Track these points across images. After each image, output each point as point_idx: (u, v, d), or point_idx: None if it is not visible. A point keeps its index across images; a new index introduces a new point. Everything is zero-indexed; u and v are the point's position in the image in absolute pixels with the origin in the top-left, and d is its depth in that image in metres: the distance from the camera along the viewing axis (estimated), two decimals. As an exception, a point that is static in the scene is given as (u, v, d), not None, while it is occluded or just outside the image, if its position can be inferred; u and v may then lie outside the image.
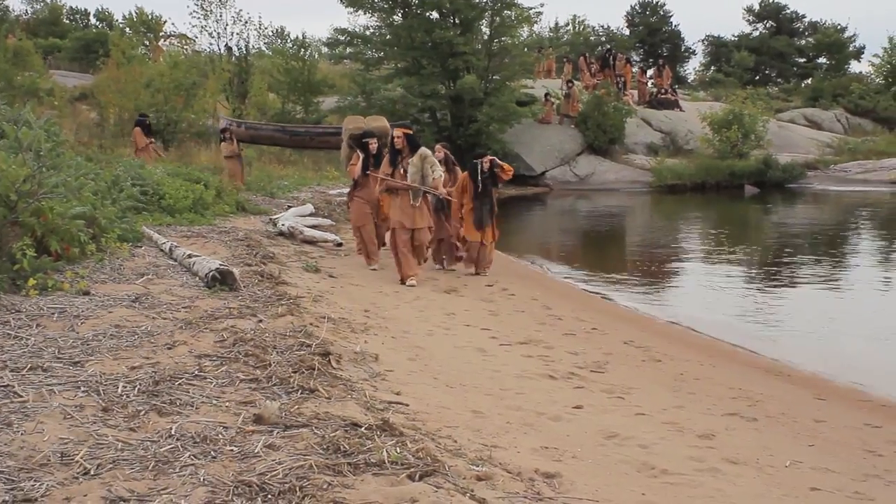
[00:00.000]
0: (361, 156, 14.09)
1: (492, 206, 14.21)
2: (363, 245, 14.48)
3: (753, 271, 17.18)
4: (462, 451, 5.17)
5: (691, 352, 10.07)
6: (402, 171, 13.05)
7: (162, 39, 44.37)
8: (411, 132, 13.82)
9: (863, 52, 61.96)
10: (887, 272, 17.12)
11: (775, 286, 15.34)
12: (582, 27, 65.51)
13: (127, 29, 46.30)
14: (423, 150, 13.24)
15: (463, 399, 6.86)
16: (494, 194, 14.49)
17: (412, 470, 4.33)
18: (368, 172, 13.69)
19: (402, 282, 12.78)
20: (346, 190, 23.89)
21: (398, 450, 4.60)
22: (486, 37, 37.34)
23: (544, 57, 46.67)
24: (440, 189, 13.19)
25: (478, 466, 4.84)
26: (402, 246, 12.94)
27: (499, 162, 14.42)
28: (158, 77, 30.35)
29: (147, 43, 44.07)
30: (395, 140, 13.26)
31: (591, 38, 64.17)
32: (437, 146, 14.70)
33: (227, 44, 36.35)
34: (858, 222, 26.33)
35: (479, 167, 14.00)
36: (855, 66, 61.73)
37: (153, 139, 24.33)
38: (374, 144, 14.08)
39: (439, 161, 13.62)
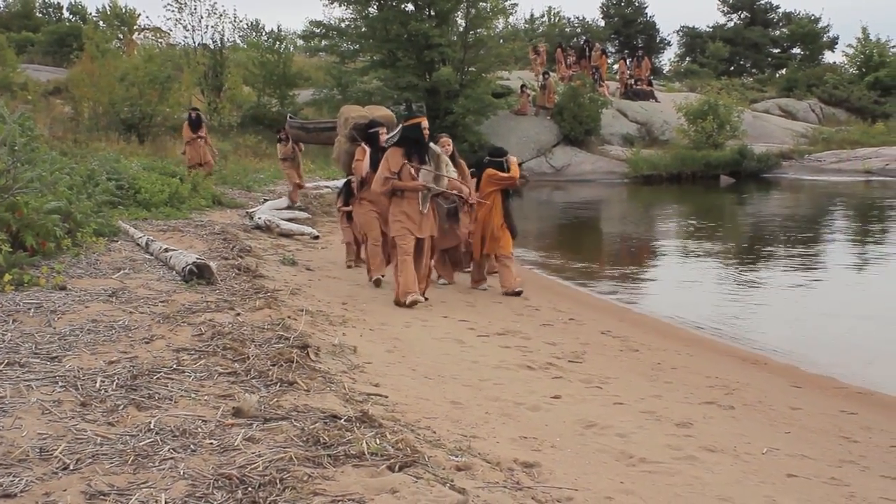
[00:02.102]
0: (368, 150, 11.97)
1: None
2: (367, 254, 12.40)
3: (729, 261, 17.25)
4: (441, 441, 5.18)
5: (668, 341, 10.11)
6: (410, 169, 10.84)
7: (136, 33, 44.16)
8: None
9: (836, 43, 62.45)
10: (862, 261, 17.22)
11: (751, 275, 15.41)
12: (557, 18, 65.57)
13: (101, 22, 46.05)
14: (434, 147, 11.25)
15: (441, 390, 6.87)
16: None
17: (392, 461, 4.34)
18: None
19: (400, 301, 10.59)
20: (325, 184, 23.75)
21: (378, 441, 4.61)
22: (461, 29, 37.37)
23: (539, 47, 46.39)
24: (463, 189, 11.40)
25: (457, 457, 4.86)
26: (405, 255, 10.82)
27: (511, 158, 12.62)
28: (133, 71, 30.23)
29: (121, 36, 43.85)
30: (427, 131, 11.00)
31: (567, 29, 64.19)
32: (443, 138, 12.21)
33: (201, 37, 36.26)
34: (833, 211, 26.47)
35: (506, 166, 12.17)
36: (829, 57, 62.34)
37: (201, 134, 22.51)
38: (384, 134, 12.06)
39: (448, 156, 11.65)
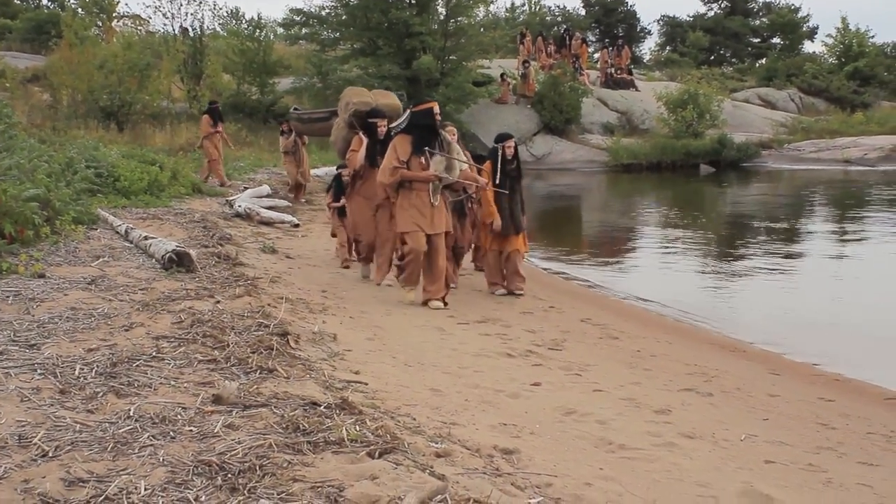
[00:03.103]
0: (365, 140, 11.17)
1: (522, 205, 11.35)
2: (367, 253, 11.60)
3: (708, 249, 17.32)
4: (421, 428, 5.19)
5: (648, 329, 10.15)
6: (421, 159, 9.95)
7: (115, 20, 43.89)
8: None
9: (816, 33, 62.64)
10: (840, 249, 17.31)
11: (730, 263, 15.49)
12: (538, 7, 65.51)
13: (79, 10, 45.71)
14: (445, 134, 10.32)
15: (421, 377, 6.88)
16: (520, 189, 11.43)
17: (372, 448, 4.34)
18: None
19: (426, 301, 10.03)
20: (314, 172, 23.27)
21: (357, 428, 4.62)
22: (442, 17, 37.30)
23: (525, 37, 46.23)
24: (479, 179, 10.41)
25: (437, 443, 4.87)
26: (417, 255, 9.98)
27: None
28: (112, 58, 30.08)
29: (100, 24, 43.54)
30: (438, 116, 10.10)
31: (548, 18, 64.16)
32: (448, 127, 11.29)
33: (181, 25, 36.09)
34: (812, 201, 26.60)
35: (501, 153, 11.06)
36: (808, 47, 62.47)
37: (219, 128, 21.54)
38: (383, 127, 11.14)
39: None
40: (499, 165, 10.95)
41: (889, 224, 19.76)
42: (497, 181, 10.85)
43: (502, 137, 11.31)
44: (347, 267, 12.28)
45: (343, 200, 12.39)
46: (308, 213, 18.38)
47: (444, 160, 9.95)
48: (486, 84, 39.09)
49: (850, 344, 10.01)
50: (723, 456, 5.68)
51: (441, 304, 9.93)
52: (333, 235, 13.42)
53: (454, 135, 11.09)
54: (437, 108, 10.14)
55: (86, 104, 30.04)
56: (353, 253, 12.39)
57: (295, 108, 23.30)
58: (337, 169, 13.47)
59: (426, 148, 9.95)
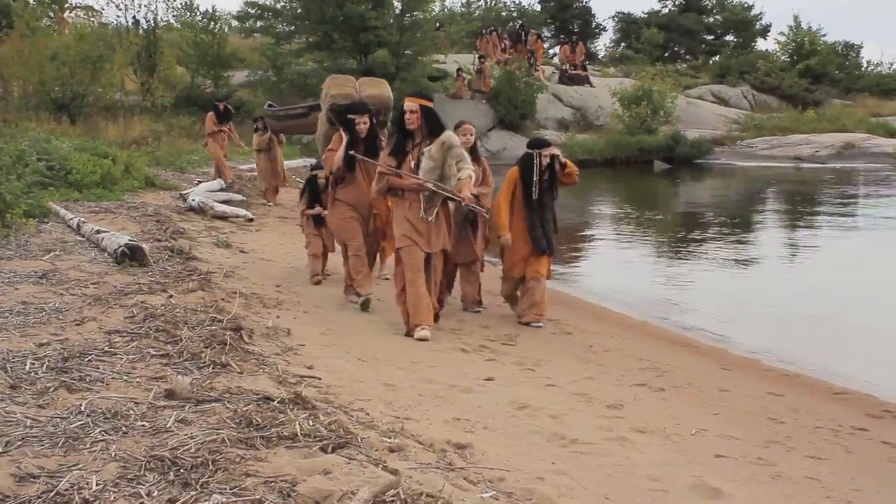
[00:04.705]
0: (345, 138, 9.74)
1: (554, 222, 9.97)
2: (349, 268, 10.08)
3: (662, 245, 17.45)
4: (374, 423, 5.21)
5: (601, 324, 10.21)
6: (411, 162, 8.70)
7: (67, 11, 43.38)
8: (431, 104, 8.84)
9: (769, 31, 63.15)
10: (790, 245, 17.52)
11: (683, 259, 15.62)
12: (494, 2, 65.53)
13: (30, 0, 45.23)
14: (449, 135, 8.71)
15: (375, 372, 6.89)
16: (553, 204, 10.00)
17: (325, 442, 4.35)
18: (356, 157, 9.40)
19: (411, 333, 8.57)
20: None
21: (311, 423, 4.62)
22: (397, 11, 37.26)
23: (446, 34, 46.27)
24: (464, 193, 8.47)
25: (390, 438, 4.88)
26: (415, 275, 8.65)
27: (562, 158, 9.75)
28: (64, 50, 29.71)
29: (52, 14, 43.04)
30: (408, 116, 8.66)
31: (503, 13, 64.20)
32: (465, 125, 9.90)
33: (134, 16, 35.79)
34: (764, 197, 26.87)
35: (538, 161, 9.60)
36: (761, 44, 62.95)
37: (224, 126, 20.33)
38: (363, 124, 9.71)
39: (467, 149, 9.08)
40: (535, 177, 9.56)
41: (839, 221, 20.01)
42: (535, 194, 9.57)
43: (539, 143, 9.88)
44: (319, 283, 11.01)
45: (318, 208, 11.37)
46: (262, 208, 18.29)
47: (437, 167, 8.53)
48: (442, 79, 39.11)
49: (800, 338, 10.12)
50: (674, 450, 5.74)
51: (428, 334, 8.46)
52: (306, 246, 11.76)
53: (470, 135, 9.73)
54: (412, 105, 8.69)
55: (37, 96, 29.69)
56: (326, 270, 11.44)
57: (269, 105, 22.85)
58: (311, 170, 12.15)
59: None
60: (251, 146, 20.55)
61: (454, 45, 44.51)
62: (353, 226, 9.89)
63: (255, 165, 20.64)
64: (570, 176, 9.74)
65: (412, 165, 8.67)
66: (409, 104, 8.66)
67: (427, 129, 8.68)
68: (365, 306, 9.57)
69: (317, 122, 10.96)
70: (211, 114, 20.72)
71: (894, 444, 6.50)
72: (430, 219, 8.65)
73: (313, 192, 11.58)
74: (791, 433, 6.51)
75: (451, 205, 8.92)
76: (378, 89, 10.52)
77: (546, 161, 9.58)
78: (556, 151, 9.72)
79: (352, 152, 9.45)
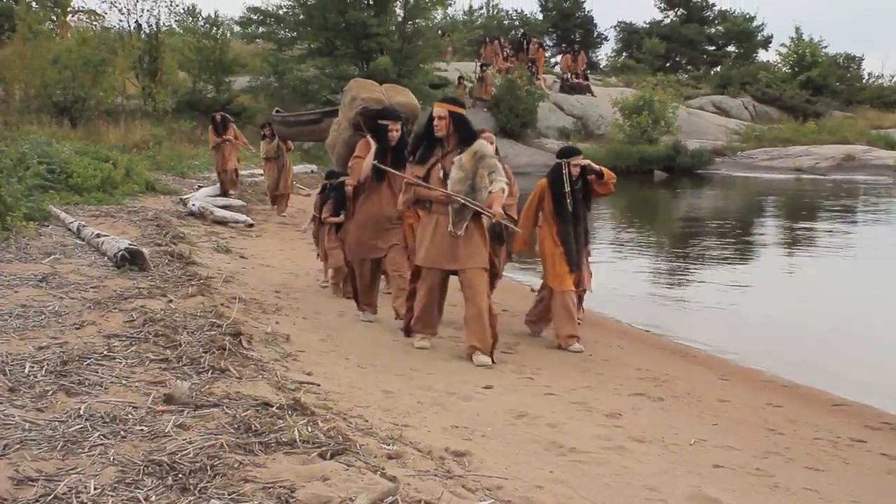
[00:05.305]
0: (374, 145, 9.07)
1: (586, 235, 9.52)
2: (352, 284, 9.65)
3: (662, 254, 17.46)
4: (373, 430, 5.21)
5: (600, 334, 10.19)
6: (440, 172, 8.16)
7: (70, 15, 43.41)
8: (463, 112, 8.34)
9: (770, 42, 63.05)
10: (791, 256, 17.54)
11: (682, 269, 15.62)
12: (496, 11, 65.60)
13: (33, 3, 45.23)
14: (481, 144, 8.15)
15: (374, 379, 6.90)
16: (587, 215, 9.55)
17: (323, 448, 4.35)
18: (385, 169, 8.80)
19: (410, 333, 8.47)
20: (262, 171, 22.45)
21: (309, 429, 4.62)
22: (399, 18, 37.29)
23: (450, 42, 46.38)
24: (494, 208, 7.88)
25: (389, 445, 4.89)
26: (430, 299, 8.32)
27: (594, 166, 9.27)
28: (66, 53, 29.69)
29: (54, 18, 43.08)
30: (436, 122, 8.14)
31: (505, 22, 64.27)
32: (485, 132, 9.40)
33: (136, 21, 35.80)
34: (764, 208, 26.88)
35: (566, 172, 9.08)
36: (763, 55, 62.86)
37: (226, 135, 19.61)
38: (396, 131, 9.11)
39: None
40: (567, 189, 9.02)
41: (838, 233, 20.01)
42: (570, 206, 9.04)
43: (569, 152, 9.36)
44: (348, 297, 10.21)
45: (343, 216, 10.45)
46: (262, 214, 18.29)
47: (467, 178, 7.95)
48: (443, 87, 39.12)
49: (800, 350, 10.12)
50: (672, 460, 5.74)
51: (488, 360, 7.95)
52: (322, 259, 11.39)
53: (492, 142, 8.90)
54: (441, 111, 8.19)
55: (39, 99, 29.69)
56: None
57: (277, 111, 22.53)
58: (326, 178, 11.63)
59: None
60: (257, 151, 20.30)
61: (456, 52, 44.53)
62: (366, 243, 9.26)
63: (261, 172, 20.40)
64: (605, 186, 9.26)
65: (440, 176, 8.11)
66: (438, 110, 8.17)
67: (458, 136, 8.14)
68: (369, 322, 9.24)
69: (328, 129, 10.51)
70: (210, 127, 20.31)
71: (893, 455, 6.50)
72: (458, 233, 8.04)
73: (339, 200, 10.68)
74: (789, 444, 6.51)
75: (484, 220, 8.22)
76: (406, 97, 10.14)
77: (577, 171, 9.07)
78: (586, 161, 9.21)
79: (376, 162, 8.86)
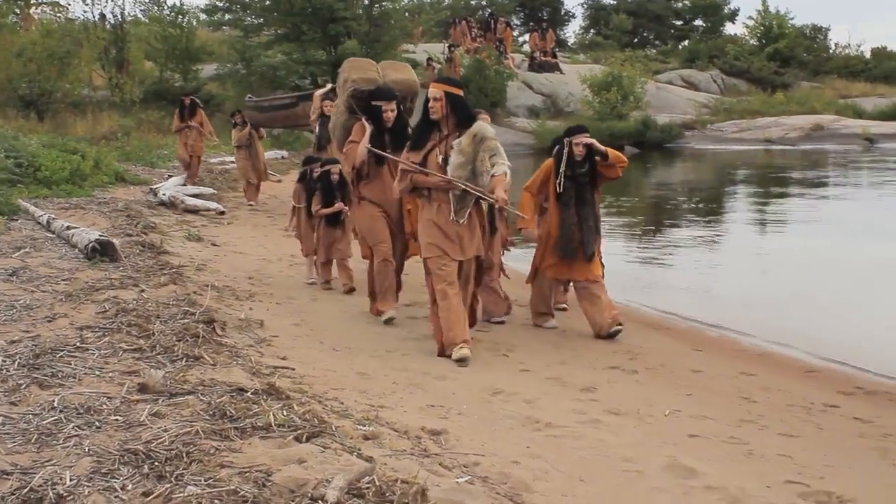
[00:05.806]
0: (369, 128, 8.66)
1: (596, 221, 8.87)
2: (373, 279, 8.96)
3: (633, 228, 17.50)
4: (349, 412, 5.22)
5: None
6: (438, 157, 7.67)
7: (33, 7, 43.05)
8: (460, 93, 7.80)
9: (737, 15, 63.22)
10: (761, 226, 17.64)
11: (654, 241, 15.69)
12: (463, -9, 65.46)
13: (-5, -3, 44.87)
14: (481, 126, 7.62)
15: (349, 362, 6.91)
16: (597, 199, 8.94)
17: (299, 432, 4.36)
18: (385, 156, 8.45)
19: (444, 352, 7.50)
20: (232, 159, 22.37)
21: (285, 413, 4.63)
22: (366, 2, 37.17)
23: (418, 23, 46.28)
24: (497, 193, 7.38)
25: (365, 426, 4.90)
26: (446, 288, 7.57)
27: (599, 146, 8.60)
28: (30, 46, 29.45)
29: (17, 11, 42.72)
30: (432, 104, 7.65)
31: (472, 2, 64.14)
32: (482, 115, 8.64)
33: (101, 11, 35.53)
34: (734, 180, 27.00)
35: (567, 151, 8.60)
36: (730, 28, 63.09)
37: (191, 120, 19.33)
38: (391, 112, 8.70)
39: None
40: (562, 168, 8.60)
41: (809, 200, 20.15)
42: (559, 187, 8.63)
43: (573, 130, 8.74)
44: (350, 291, 10.06)
45: (338, 204, 10.14)
46: (234, 201, 18.21)
47: (468, 162, 7.48)
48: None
49: (772, 316, 10.18)
50: (647, 431, 5.79)
51: (468, 353, 7.36)
52: (306, 255, 10.92)
53: (487, 123, 8.08)
54: (436, 91, 7.67)
55: (4, 93, 29.45)
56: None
57: (249, 98, 22.21)
58: (304, 164, 11.24)
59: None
60: (226, 140, 20.05)
61: (424, 34, 44.45)
62: (383, 227, 8.80)
63: (233, 160, 20.14)
64: (612, 168, 8.61)
65: (439, 161, 7.61)
66: (434, 91, 7.63)
67: (455, 119, 7.64)
68: (388, 323, 8.62)
69: (305, 114, 10.20)
70: (177, 111, 20.09)
71: (865, 419, 6.56)
72: (461, 221, 7.59)
73: (326, 189, 10.23)
74: (763, 412, 6.56)
75: (483, 205, 7.84)
76: (403, 74, 9.65)
77: (581, 151, 8.54)
78: (591, 140, 8.59)
79: (369, 146, 8.48)
